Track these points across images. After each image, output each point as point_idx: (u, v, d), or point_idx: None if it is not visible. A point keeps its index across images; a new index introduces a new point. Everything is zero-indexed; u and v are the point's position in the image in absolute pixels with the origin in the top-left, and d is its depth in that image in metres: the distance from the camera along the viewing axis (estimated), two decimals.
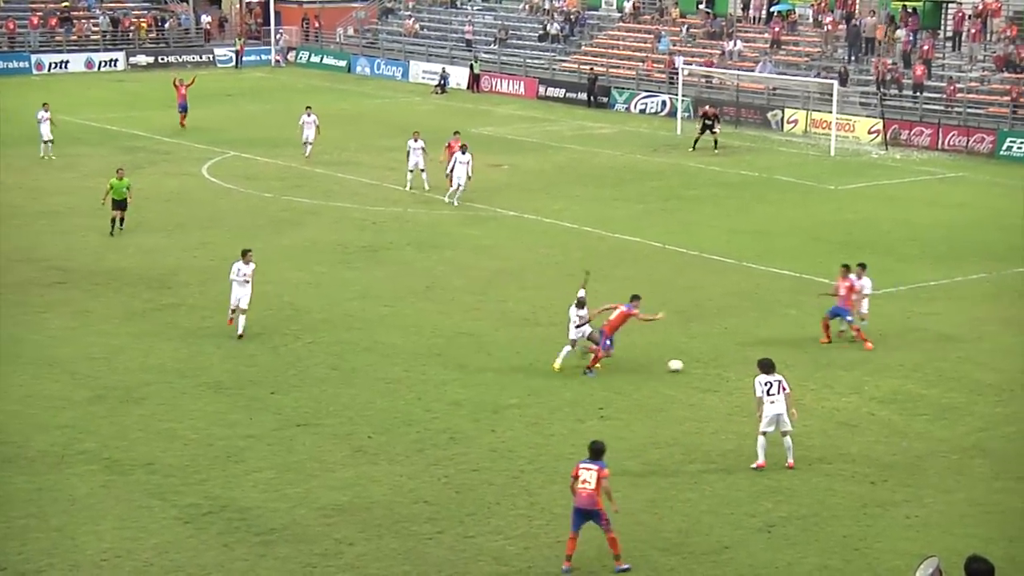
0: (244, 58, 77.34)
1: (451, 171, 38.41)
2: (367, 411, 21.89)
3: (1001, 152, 48.62)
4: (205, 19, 79.80)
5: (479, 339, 25.99)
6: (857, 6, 59.36)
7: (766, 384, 19.41)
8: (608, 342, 23.85)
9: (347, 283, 30.00)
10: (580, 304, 23.90)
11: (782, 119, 55.16)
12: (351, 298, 28.13)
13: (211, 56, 77.21)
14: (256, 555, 16.80)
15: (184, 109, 52.96)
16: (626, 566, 16.51)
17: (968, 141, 49.68)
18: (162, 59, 75.49)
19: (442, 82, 67.02)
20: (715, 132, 49.05)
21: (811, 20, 61.06)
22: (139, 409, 22.10)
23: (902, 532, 17.57)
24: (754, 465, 19.48)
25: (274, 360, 24.65)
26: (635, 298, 24.05)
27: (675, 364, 24.01)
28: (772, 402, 19.26)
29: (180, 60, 75.93)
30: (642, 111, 59.80)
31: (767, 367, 19.55)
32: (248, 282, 25.70)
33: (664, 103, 59.09)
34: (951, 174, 45.52)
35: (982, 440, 20.85)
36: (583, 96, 62.05)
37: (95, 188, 37.27)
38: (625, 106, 60.62)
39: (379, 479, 19.07)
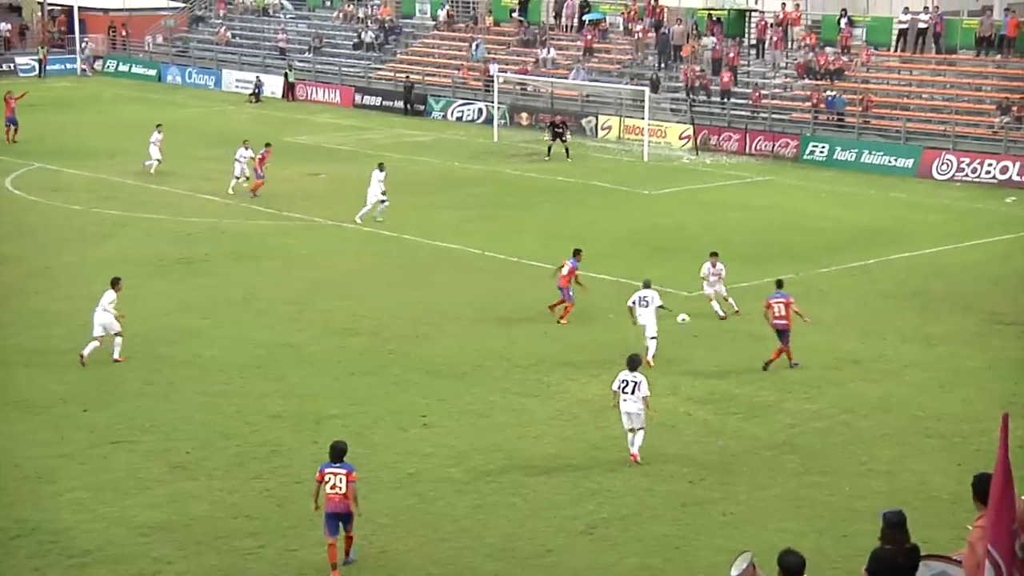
0: (48, 67, 74.94)
1: None
2: (185, 426, 21.49)
3: (805, 156, 50.28)
4: (4, 27, 77.11)
5: (300, 350, 25.78)
6: (665, 15, 60.75)
7: (623, 381, 19.93)
8: (570, 294, 27.39)
9: (162, 296, 29.42)
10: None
11: (596, 125, 56.09)
12: (166, 311, 27.64)
13: (12, 65, 74.56)
14: None
15: (13, 123, 50.90)
16: (354, 557, 16.69)
17: (774, 146, 51.26)
18: None
19: (256, 91, 66.25)
20: (565, 140, 49.42)
21: (622, 28, 62.22)
22: None
23: (719, 529, 18.00)
24: (629, 458, 19.91)
25: (86, 376, 24.00)
26: (577, 252, 27.63)
27: (683, 317, 25.91)
28: (624, 400, 19.83)
29: None
30: (459, 119, 60.10)
31: (632, 363, 20.11)
32: (109, 311, 24.51)
33: (480, 111, 59.50)
34: (759, 178, 46.90)
35: (792, 436, 21.52)
36: (400, 104, 62.11)
37: None
38: (442, 114, 60.86)
39: (198, 495, 18.75)
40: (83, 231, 36.07)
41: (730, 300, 28.31)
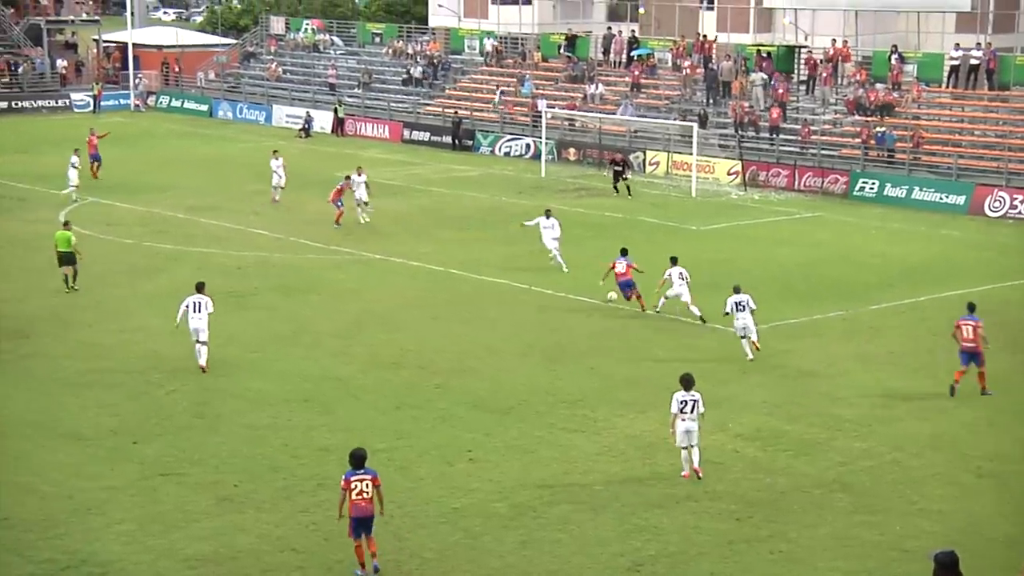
0: (102, 103, 75.94)
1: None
2: (233, 459, 21.54)
3: (854, 192, 50.00)
4: (61, 63, 78.24)
5: (346, 383, 25.82)
6: (714, 51, 60.75)
7: (682, 402, 20.39)
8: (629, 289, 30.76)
9: (212, 329, 29.47)
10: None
11: (644, 161, 55.99)
12: (215, 344, 27.72)
13: (68, 101, 75.69)
14: None
15: (96, 159, 51.51)
16: (377, 565, 17.21)
17: (823, 182, 51.00)
18: (16, 104, 73.77)
19: (306, 126, 66.72)
20: (626, 178, 49.53)
21: (670, 64, 62.20)
22: None
23: (767, 567, 17.79)
24: (683, 474, 20.63)
25: (136, 409, 24.15)
26: (624, 252, 30.91)
27: (611, 295, 30.27)
28: (683, 419, 20.35)
29: (35, 105, 74.34)
30: (506, 154, 60.20)
31: (687, 383, 20.50)
32: (206, 314, 26.13)
33: (528, 146, 59.60)
34: (807, 214, 46.62)
35: (842, 475, 21.28)
36: (448, 139, 62.26)
37: None
38: (490, 149, 61.01)
39: (246, 528, 18.75)
40: (135, 265, 36.38)
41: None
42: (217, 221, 42.85)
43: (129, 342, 28.18)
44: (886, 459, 22.10)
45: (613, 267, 31.01)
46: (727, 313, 27.45)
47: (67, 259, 32.97)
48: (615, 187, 49.65)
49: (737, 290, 27.42)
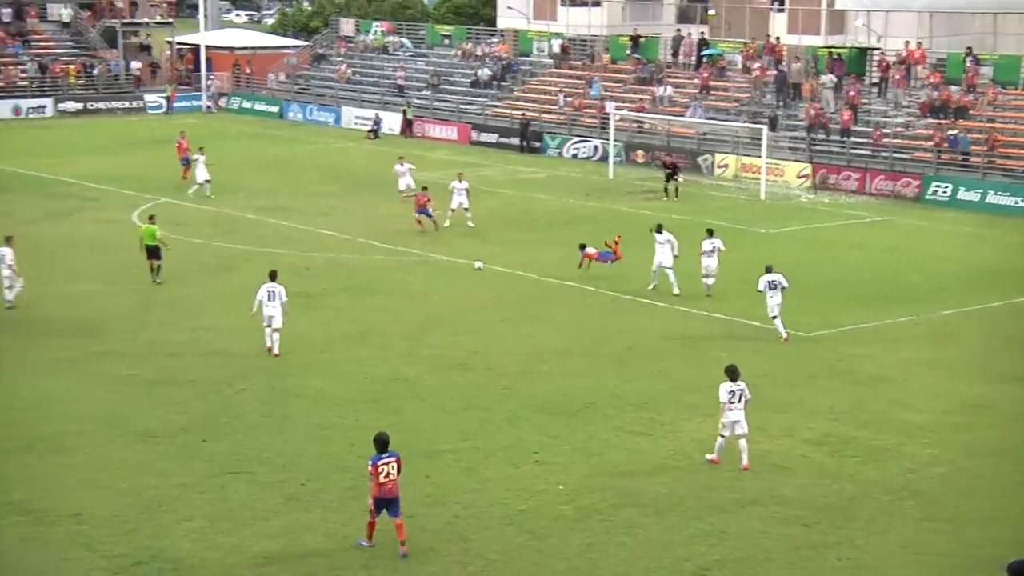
0: (175, 104, 76.85)
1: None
2: (300, 458, 21.70)
3: (927, 196, 49.40)
4: (135, 65, 79.32)
5: (413, 384, 25.90)
6: (784, 52, 60.30)
7: (730, 392, 20.99)
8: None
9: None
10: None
11: (712, 163, 55.62)
12: (284, 344, 27.90)
13: (142, 102, 76.68)
14: None
15: (186, 162, 52.02)
16: (405, 550, 17.71)
17: (895, 185, 50.44)
18: (91, 106, 74.86)
19: (375, 127, 67.04)
20: (677, 180, 49.30)
21: (740, 66, 61.79)
22: (67, 459, 21.76)
23: (834, 574, 17.65)
24: (708, 457, 21.35)
25: (206, 407, 24.38)
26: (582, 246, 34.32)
27: (479, 264, 33.20)
28: (731, 409, 20.94)
29: (110, 107, 75.39)
30: (574, 156, 60.08)
31: (733, 374, 21.13)
32: (279, 303, 26.92)
33: (596, 148, 59.43)
34: (878, 218, 46.14)
35: (912, 482, 21.04)
36: (515, 141, 62.31)
37: (22, 236, 36.63)
38: (557, 151, 60.91)
39: (313, 527, 18.87)
40: (206, 264, 36.74)
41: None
42: (287, 222, 43.15)
43: (200, 340, 28.46)
44: (957, 466, 21.81)
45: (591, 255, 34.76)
46: (760, 291, 28.65)
47: (153, 252, 33.90)
48: (665, 189, 49.23)
49: (769, 269, 28.78)
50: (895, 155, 52.29)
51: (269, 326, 27.05)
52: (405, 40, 77.58)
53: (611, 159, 55.87)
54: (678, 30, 68.20)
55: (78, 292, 33.49)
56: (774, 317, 28.56)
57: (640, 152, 57.88)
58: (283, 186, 50.62)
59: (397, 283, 34.89)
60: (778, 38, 62.03)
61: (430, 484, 20.46)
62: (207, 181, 47.24)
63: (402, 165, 43.57)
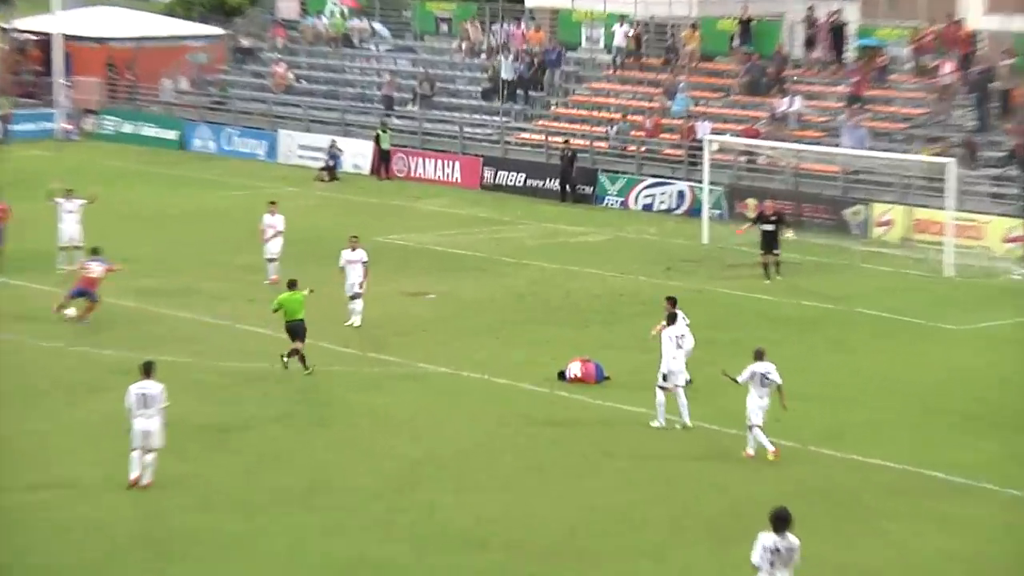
0: (12, 127, 60.77)
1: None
2: None
3: None
4: None
5: (391, 575, 20.21)
6: (978, 44, 47.88)
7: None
8: None
9: (175, 485, 22.87)
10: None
11: (867, 220, 44.51)
12: (186, 508, 21.58)
13: None
14: None
15: None
16: None
17: None
18: None
19: (331, 162, 53.13)
20: (776, 253, 38.43)
21: (910, 64, 48.74)
22: None
23: None
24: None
25: None
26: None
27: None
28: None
29: None
30: (647, 207, 48.31)
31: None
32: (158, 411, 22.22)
33: (682, 194, 47.63)
34: None
35: None
36: (555, 184, 49.88)
37: None
38: (620, 199, 48.74)
39: None
40: (60, 380, 28.29)
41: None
42: (190, 312, 33.96)
43: (45, 507, 20.78)
44: None
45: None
46: (741, 382, 24.41)
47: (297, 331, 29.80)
48: (763, 264, 38.33)
49: (760, 355, 24.19)
50: None
51: (142, 447, 22.23)
52: (379, 26, 62.54)
53: (705, 212, 44.33)
54: (810, 9, 52.50)
55: None
56: (752, 426, 23.89)
57: (751, 201, 45.63)
58: (184, 256, 40.35)
59: (365, 408, 27.22)
60: (969, 22, 49.48)
61: None
62: (76, 247, 36.87)
63: (273, 215, 35.04)
